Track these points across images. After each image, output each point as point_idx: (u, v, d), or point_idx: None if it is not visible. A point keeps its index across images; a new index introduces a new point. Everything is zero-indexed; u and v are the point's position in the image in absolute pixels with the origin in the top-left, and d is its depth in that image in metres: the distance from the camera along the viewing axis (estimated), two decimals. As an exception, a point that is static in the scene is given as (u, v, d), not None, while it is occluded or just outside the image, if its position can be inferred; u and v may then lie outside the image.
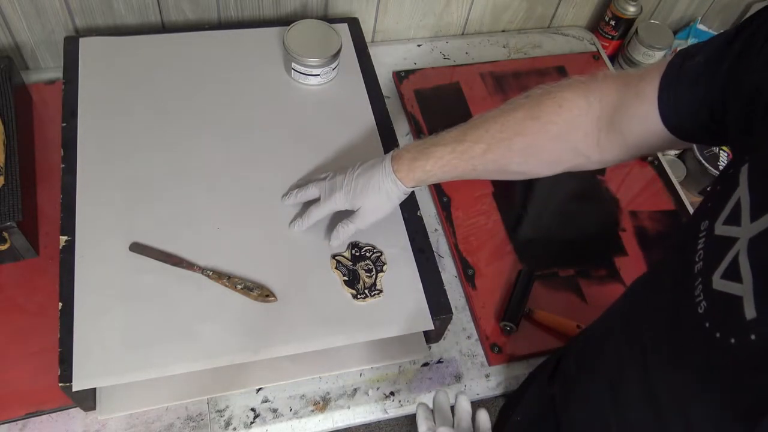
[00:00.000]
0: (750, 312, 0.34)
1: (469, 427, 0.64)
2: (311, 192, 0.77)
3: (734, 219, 0.39)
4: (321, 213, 0.76)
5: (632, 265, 0.92)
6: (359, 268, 0.77)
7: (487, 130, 0.67)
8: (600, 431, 0.56)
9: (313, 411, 0.76)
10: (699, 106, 0.51)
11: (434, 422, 0.65)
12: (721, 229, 0.40)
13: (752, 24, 0.46)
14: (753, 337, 0.34)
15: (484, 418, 0.64)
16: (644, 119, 0.56)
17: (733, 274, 0.37)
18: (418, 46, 1.15)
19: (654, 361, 0.46)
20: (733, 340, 0.35)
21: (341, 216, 0.77)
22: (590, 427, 0.57)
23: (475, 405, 0.66)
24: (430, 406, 0.67)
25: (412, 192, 0.84)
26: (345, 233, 0.76)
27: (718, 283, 0.38)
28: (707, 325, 0.38)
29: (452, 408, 0.66)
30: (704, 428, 0.40)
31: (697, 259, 0.41)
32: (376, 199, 0.73)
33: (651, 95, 0.54)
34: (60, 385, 0.65)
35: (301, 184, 0.80)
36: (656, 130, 0.55)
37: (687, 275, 0.41)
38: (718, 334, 0.37)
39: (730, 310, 0.36)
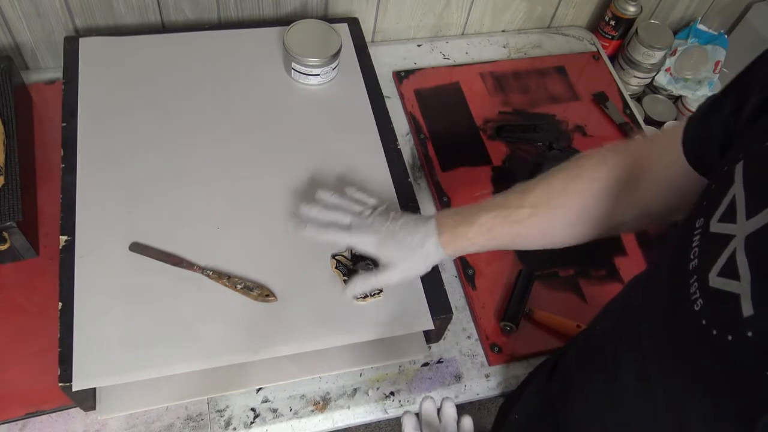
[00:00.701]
0: (747, 309, 0.35)
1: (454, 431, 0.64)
2: (341, 218, 0.72)
3: (730, 216, 0.39)
4: (344, 243, 0.73)
5: (632, 265, 0.92)
6: (359, 268, 0.76)
7: (530, 193, 0.66)
8: (597, 430, 0.56)
9: (313, 411, 0.76)
10: (714, 124, 0.51)
11: (421, 431, 0.65)
12: (716, 226, 0.40)
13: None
14: (750, 334, 0.34)
15: (468, 423, 0.65)
16: (668, 154, 0.56)
17: (730, 271, 0.37)
18: (418, 46, 1.15)
19: (651, 360, 0.46)
20: (730, 338, 0.36)
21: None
22: (587, 425, 0.57)
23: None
24: (419, 410, 0.67)
25: (412, 191, 0.84)
26: (365, 286, 0.70)
27: (716, 281, 0.38)
28: (704, 322, 0.38)
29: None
30: (699, 428, 0.40)
31: (692, 257, 0.41)
32: (412, 258, 0.68)
33: (677, 133, 0.56)
34: (60, 385, 0.65)
35: (326, 199, 0.74)
36: (679, 165, 0.55)
37: (682, 273, 0.41)
38: (714, 332, 0.37)
39: (728, 307, 0.36)
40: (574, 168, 0.65)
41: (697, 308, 0.39)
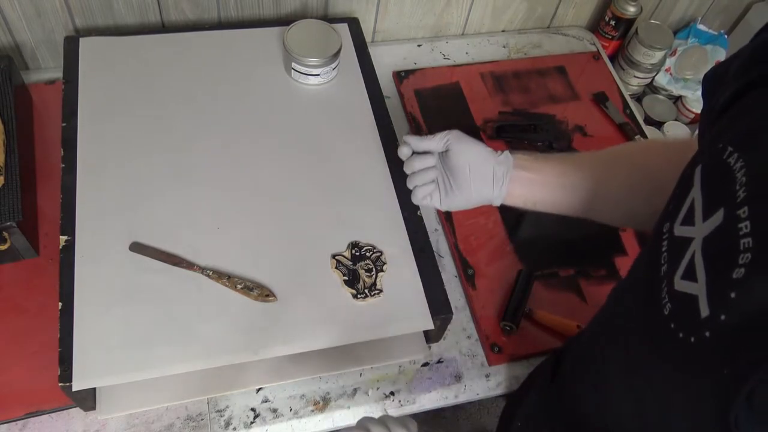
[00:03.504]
0: (704, 310, 0.35)
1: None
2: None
3: (689, 219, 0.39)
4: (421, 143, 0.75)
5: (632, 265, 0.92)
6: (359, 268, 0.77)
7: (602, 150, 0.71)
8: (592, 430, 0.56)
9: (313, 411, 0.77)
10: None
11: None
12: (679, 230, 0.41)
13: None
14: (707, 334, 0.35)
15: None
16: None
17: (690, 273, 0.37)
18: (418, 46, 1.15)
19: (633, 364, 0.46)
20: (692, 339, 0.36)
21: None
22: (584, 426, 0.58)
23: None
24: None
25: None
26: (425, 173, 0.74)
27: (679, 284, 0.38)
28: (672, 326, 0.38)
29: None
30: (682, 427, 0.40)
31: (662, 261, 0.41)
32: (477, 156, 0.71)
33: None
34: (60, 385, 0.65)
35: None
36: None
37: (655, 278, 0.42)
38: (681, 335, 0.37)
39: (689, 309, 0.37)
40: (644, 144, 0.70)
41: (666, 312, 0.39)
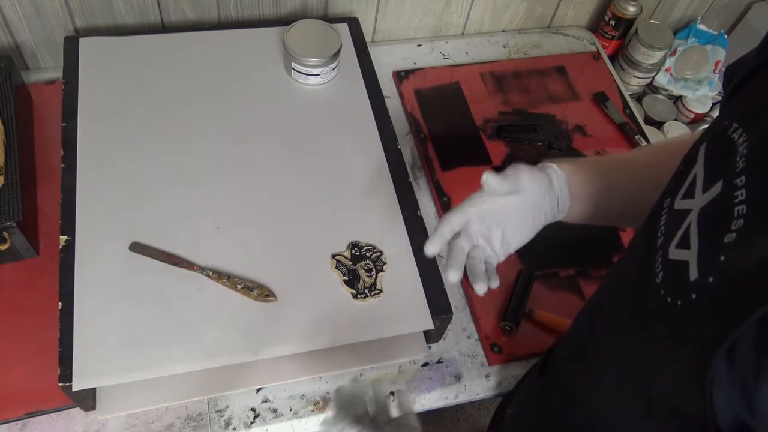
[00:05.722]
0: (693, 274, 0.36)
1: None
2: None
3: (690, 193, 0.40)
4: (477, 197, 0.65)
5: (632, 265, 0.92)
6: (359, 268, 0.77)
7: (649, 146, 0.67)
8: (581, 419, 0.56)
9: (313, 411, 0.77)
10: None
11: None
12: (679, 203, 0.41)
13: None
14: (694, 296, 0.35)
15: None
16: None
17: (684, 242, 0.38)
18: (418, 46, 1.15)
19: (623, 341, 0.47)
20: (679, 302, 0.37)
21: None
22: (572, 414, 0.58)
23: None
24: None
25: (412, 191, 0.84)
26: (494, 180, 0.63)
27: (673, 253, 0.39)
28: (662, 292, 0.39)
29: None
30: (669, 398, 0.41)
31: (659, 235, 0.42)
32: (532, 170, 0.65)
33: None
34: (60, 385, 0.65)
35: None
36: None
37: (650, 251, 0.43)
38: (669, 299, 0.38)
39: (679, 274, 0.37)
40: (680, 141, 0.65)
41: (658, 280, 0.40)
